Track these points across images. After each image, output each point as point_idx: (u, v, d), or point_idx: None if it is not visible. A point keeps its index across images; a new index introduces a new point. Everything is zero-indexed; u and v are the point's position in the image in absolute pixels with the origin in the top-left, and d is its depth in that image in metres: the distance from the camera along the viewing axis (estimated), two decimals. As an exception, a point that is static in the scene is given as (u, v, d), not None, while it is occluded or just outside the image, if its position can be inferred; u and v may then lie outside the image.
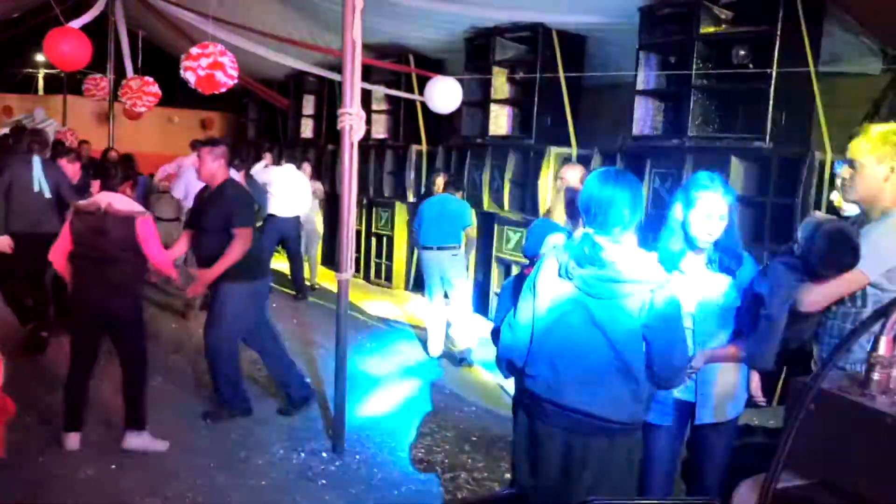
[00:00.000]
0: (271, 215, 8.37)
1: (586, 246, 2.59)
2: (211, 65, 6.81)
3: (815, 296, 2.58)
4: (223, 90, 7.12)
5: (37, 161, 6.00)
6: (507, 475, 3.33)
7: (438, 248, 6.73)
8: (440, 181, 7.11)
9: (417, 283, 9.23)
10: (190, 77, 6.89)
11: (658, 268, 2.64)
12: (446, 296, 6.83)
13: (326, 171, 10.70)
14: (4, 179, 5.95)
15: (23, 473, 4.05)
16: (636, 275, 2.56)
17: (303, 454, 4.60)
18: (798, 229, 2.70)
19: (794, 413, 1.04)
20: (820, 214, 2.92)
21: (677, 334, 2.62)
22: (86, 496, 3.96)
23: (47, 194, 5.98)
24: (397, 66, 9.26)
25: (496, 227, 8.10)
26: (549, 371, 2.65)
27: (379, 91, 9.68)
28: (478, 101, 8.25)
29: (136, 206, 4.61)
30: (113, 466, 4.27)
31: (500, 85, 8.12)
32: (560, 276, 2.64)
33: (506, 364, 2.83)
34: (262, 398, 5.53)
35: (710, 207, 2.89)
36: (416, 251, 9.12)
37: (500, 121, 8.21)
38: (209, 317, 5.04)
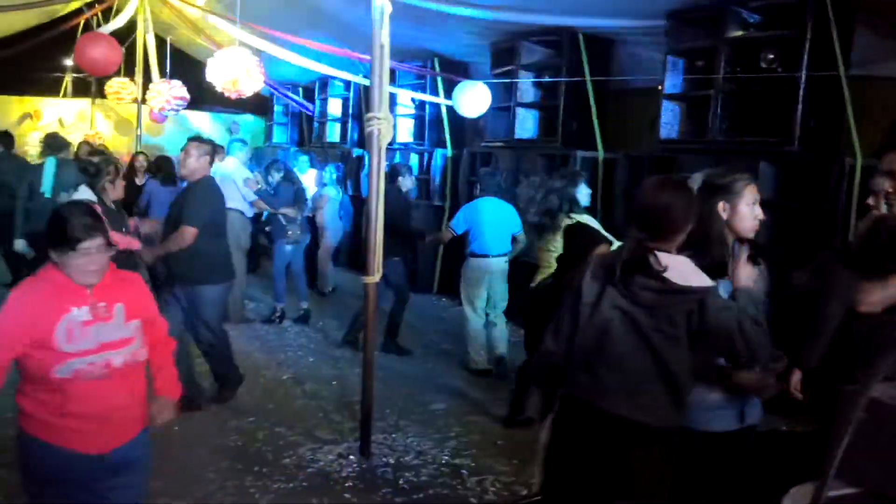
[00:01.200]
0: None
1: (636, 253, 2.58)
2: (235, 69, 6.84)
3: (876, 296, 2.52)
4: (250, 94, 7.15)
5: None
6: (533, 480, 3.32)
7: (495, 256, 6.39)
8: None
9: (443, 287, 9.25)
10: (216, 81, 6.93)
11: (705, 276, 2.61)
12: (486, 314, 6.46)
13: (352, 175, 10.74)
14: None
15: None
16: (685, 284, 2.55)
17: (330, 456, 4.62)
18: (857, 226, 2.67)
19: (845, 421, 1.03)
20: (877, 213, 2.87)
21: (746, 335, 2.52)
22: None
23: None
24: (423, 69, 9.28)
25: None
26: (589, 377, 2.65)
27: (406, 95, 9.72)
28: (504, 105, 8.25)
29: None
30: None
31: (526, 88, 8.12)
32: (606, 283, 2.64)
33: (546, 371, 2.83)
34: (287, 399, 5.57)
35: (754, 195, 2.85)
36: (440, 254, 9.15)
37: (526, 124, 8.22)
38: (193, 321, 5.18)
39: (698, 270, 2.61)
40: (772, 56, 5.76)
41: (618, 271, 2.60)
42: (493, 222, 6.34)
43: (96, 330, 2.50)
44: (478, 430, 5.15)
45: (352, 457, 4.62)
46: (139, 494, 2.77)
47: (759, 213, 2.86)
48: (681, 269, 2.57)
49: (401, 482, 4.34)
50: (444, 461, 4.64)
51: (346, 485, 4.27)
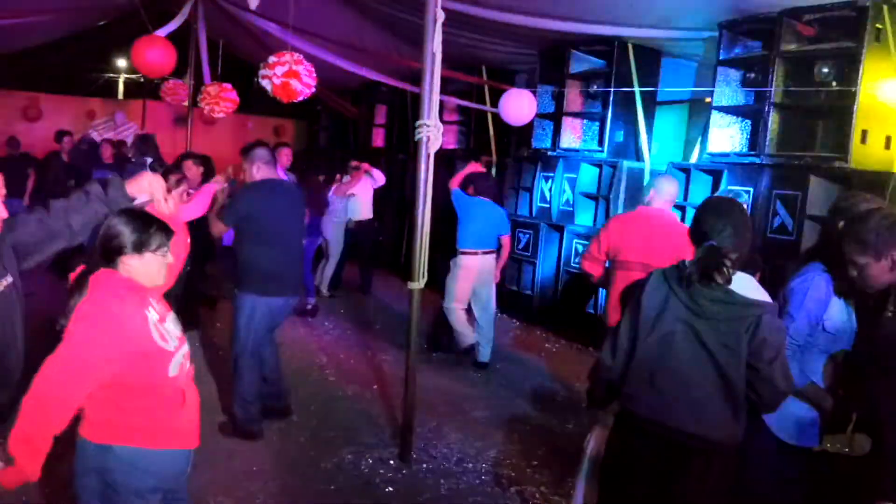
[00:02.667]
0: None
1: (714, 261, 2.58)
2: (286, 73, 6.93)
3: None
4: (301, 98, 7.24)
5: None
6: (574, 492, 3.30)
7: (484, 253, 6.63)
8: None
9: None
10: (267, 85, 7.03)
11: (765, 293, 2.65)
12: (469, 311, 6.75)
13: (396, 180, 10.81)
14: None
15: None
16: (748, 297, 2.57)
17: (370, 461, 4.64)
18: None
19: None
20: None
21: (783, 359, 2.60)
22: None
23: None
24: (472, 77, 9.30)
25: (565, 238, 8.05)
26: (650, 390, 2.65)
27: (452, 102, 9.76)
28: (550, 113, 8.25)
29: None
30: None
31: (574, 97, 8.11)
32: (670, 294, 2.64)
33: (603, 387, 2.82)
34: (329, 402, 5.61)
35: None
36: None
37: (573, 133, 8.19)
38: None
39: (759, 287, 2.65)
40: (826, 69, 5.69)
41: (694, 278, 2.59)
42: (486, 219, 6.62)
43: (167, 326, 2.56)
44: (519, 440, 5.14)
45: (392, 462, 4.64)
46: None
47: None
48: (745, 284, 2.61)
49: (441, 489, 4.35)
50: (484, 469, 4.64)
51: (387, 490, 4.29)
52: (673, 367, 2.61)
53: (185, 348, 2.61)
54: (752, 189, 6.03)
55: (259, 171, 4.89)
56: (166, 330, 2.53)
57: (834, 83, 5.66)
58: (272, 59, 7.16)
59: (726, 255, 2.59)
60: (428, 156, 4.62)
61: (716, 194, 2.96)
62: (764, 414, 2.78)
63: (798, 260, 3.19)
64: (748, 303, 2.56)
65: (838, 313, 2.90)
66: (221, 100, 9.71)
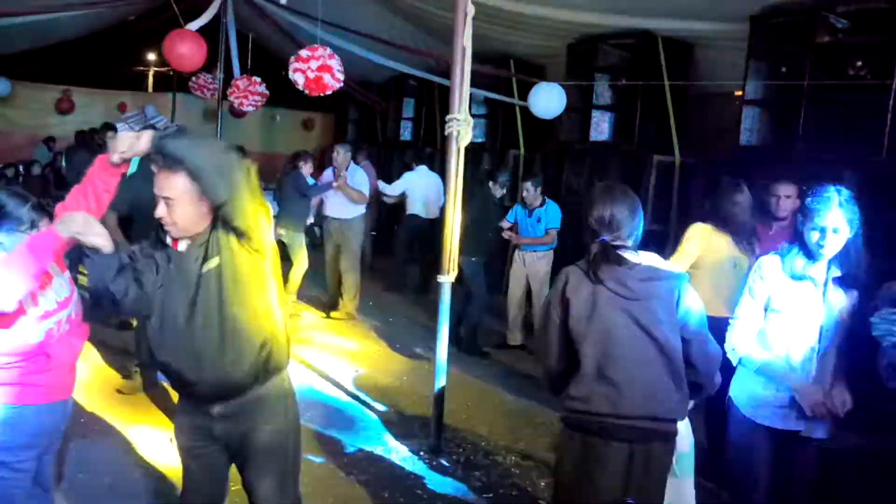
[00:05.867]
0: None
1: (604, 254, 2.68)
2: (320, 67, 6.97)
3: None
4: (329, 92, 7.28)
5: None
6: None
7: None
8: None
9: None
10: (299, 79, 7.05)
11: (674, 266, 2.87)
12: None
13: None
14: None
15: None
16: (665, 269, 2.70)
17: (399, 453, 4.69)
18: None
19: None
20: None
21: (707, 332, 2.74)
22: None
23: None
24: (500, 70, 9.28)
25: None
26: (602, 384, 2.64)
27: (480, 95, 9.76)
28: (579, 107, 8.22)
29: None
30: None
31: (602, 91, 8.07)
32: (596, 287, 2.67)
33: (563, 383, 2.81)
34: (359, 393, 5.66)
35: (822, 220, 2.92)
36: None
37: (602, 127, 8.17)
38: None
39: (666, 262, 2.79)
40: (860, 63, 5.62)
41: (602, 267, 2.66)
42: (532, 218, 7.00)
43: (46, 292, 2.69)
44: (548, 433, 5.15)
45: (422, 453, 4.68)
46: None
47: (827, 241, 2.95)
48: (653, 260, 2.72)
49: (471, 481, 4.38)
50: (513, 462, 4.67)
51: (417, 481, 4.33)
52: (619, 354, 2.62)
53: (64, 312, 2.70)
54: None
55: None
56: (43, 295, 2.61)
57: (868, 77, 5.59)
58: (305, 52, 7.18)
59: (614, 246, 2.68)
60: (458, 150, 4.64)
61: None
62: (705, 394, 2.85)
63: None
64: (671, 274, 2.69)
65: (790, 295, 3.01)
66: (251, 93, 9.79)
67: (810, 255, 2.98)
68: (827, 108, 5.94)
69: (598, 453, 2.67)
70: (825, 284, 2.99)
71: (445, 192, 4.74)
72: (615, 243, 2.68)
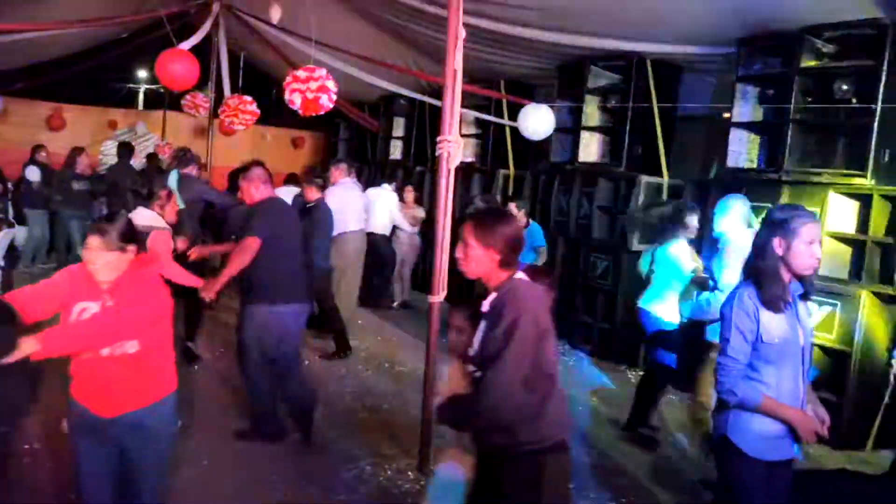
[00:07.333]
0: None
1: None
2: (319, 88, 7.01)
3: None
4: (322, 112, 7.31)
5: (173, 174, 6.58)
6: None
7: None
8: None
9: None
10: (296, 99, 7.08)
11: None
12: None
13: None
14: None
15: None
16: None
17: (389, 472, 4.68)
18: None
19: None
20: None
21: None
22: (181, 500, 4.11)
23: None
24: (490, 91, 9.35)
25: (582, 254, 8.08)
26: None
27: (470, 116, 9.81)
28: (568, 128, 8.29)
29: (156, 222, 5.30)
30: (207, 471, 4.45)
31: (592, 112, 8.14)
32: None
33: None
34: (348, 413, 5.66)
35: (812, 234, 2.92)
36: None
37: (591, 148, 8.23)
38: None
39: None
40: (846, 86, 5.70)
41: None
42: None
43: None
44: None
45: (411, 473, 4.67)
46: None
47: (817, 252, 2.89)
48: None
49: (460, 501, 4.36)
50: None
51: (406, 500, 4.33)
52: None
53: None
54: (770, 206, 6.04)
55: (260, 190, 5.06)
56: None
57: (854, 101, 5.67)
58: (303, 73, 7.20)
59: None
60: (448, 171, 4.66)
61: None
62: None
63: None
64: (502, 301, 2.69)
65: (776, 324, 2.92)
66: (241, 112, 9.82)
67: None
68: (812, 130, 6.02)
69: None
70: (794, 304, 2.99)
71: (436, 211, 4.74)
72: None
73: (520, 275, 2.72)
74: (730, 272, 4.57)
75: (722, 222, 4.92)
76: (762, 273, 2.95)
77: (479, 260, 2.70)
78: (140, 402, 3.06)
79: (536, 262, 7.00)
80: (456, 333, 2.90)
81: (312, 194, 6.96)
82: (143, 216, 5.33)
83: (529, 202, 8.25)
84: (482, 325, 2.65)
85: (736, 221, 4.89)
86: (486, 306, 2.66)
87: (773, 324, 2.92)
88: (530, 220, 7.12)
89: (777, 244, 2.93)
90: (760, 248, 2.97)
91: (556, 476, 2.71)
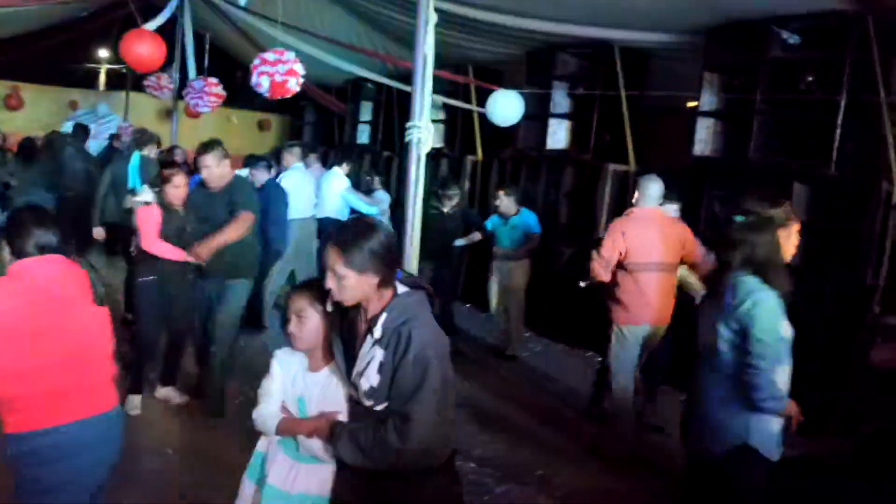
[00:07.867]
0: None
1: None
2: (288, 72, 6.93)
3: None
4: (290, 95, 7.23)
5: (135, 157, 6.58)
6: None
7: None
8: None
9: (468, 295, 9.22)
10: (264, 82, 6.97)
11: None
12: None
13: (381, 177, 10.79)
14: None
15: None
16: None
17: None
18: None
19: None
20: None
21: None
22: (149, 491, 4.07)
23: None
24: (458, 76, 9.31)
25: (549, 241, 8.08)
26: None
27: (438, 101, 9.76)
28: (536, 115, 8.28)
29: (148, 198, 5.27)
30: (176, 461, 4.41)
31: (560, 99, 8.15)
32: None
33: None
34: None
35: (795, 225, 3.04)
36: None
37: (558, 135, 8.25)
38: (221, 316, 5.17)
39: None
40: (811, 78, 5.77)
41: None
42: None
43: None
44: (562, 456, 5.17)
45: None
46: None
47: (795, 241, 2.96)
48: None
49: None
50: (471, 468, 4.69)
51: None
52: None
53: None
54: (735, 195, 6.09)
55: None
56: None
57: (818, 92, 5.74)
58: (271, 55, 7.09)
59: None
60: (418, 157, 4.63)
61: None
62: None
63: (719, 273, 3.17)
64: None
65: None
66: (207, 94, 9.68)
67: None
68: (778, 120, 6.09)
69: None
70: None
71: (405, 198, 4.71)
72: None
73: (402, 288, 2.38)
74: None
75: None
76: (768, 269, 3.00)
77: (356, 287, 2.30)
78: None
79: (526, 247, 7.16)
80: (296, 321, 2.55)
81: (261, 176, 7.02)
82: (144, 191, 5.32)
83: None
84: (377, 352, 2.29)
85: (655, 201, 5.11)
86: (377, 331, 2.30)
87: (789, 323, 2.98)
88: (521, 208, 7.16)
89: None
90: (774, 245, 2.99)
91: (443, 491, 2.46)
